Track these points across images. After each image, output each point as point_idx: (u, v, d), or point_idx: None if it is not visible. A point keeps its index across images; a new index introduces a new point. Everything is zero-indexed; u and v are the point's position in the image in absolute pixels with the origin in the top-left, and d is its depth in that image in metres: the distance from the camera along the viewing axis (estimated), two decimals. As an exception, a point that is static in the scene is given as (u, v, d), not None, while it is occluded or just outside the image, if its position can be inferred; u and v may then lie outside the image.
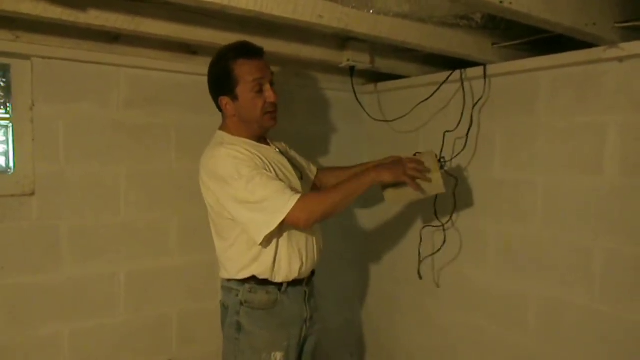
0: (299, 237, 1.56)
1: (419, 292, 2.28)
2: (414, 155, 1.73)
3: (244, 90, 1.52)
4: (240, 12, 1.29)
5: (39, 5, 1.36)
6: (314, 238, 1.63)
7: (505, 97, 1.86)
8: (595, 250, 1.58)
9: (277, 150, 1.68)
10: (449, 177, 1.91)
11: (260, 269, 1.53)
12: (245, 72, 1.51)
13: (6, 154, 1.81)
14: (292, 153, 1.84)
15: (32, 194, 1.79)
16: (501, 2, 1.16)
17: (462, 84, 1.95)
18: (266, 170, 1.49)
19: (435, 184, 1.60)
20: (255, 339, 1.53)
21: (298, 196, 1.42)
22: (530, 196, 1.77)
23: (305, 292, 1.64)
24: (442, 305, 2.16)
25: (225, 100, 1.55)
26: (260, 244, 1.48)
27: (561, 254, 1.68)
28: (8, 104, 1.79)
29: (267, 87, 1.55)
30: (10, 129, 1.79)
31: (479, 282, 1.98)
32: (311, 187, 1.84)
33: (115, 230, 1.96)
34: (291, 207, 1.40)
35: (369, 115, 2.33)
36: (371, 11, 1.47)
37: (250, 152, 1.50)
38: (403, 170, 1.55)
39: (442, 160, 1.66)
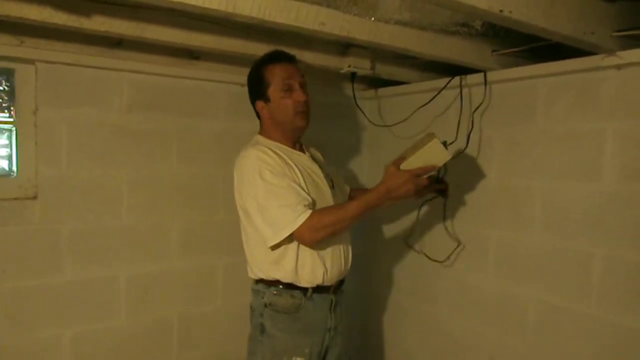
0: (322, 244, 1.56)
1: (418, 296, 2.29)
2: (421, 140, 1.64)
3: (274, 91, 1.61)
4: (244, 19, 1.30)
5: (45, 11, 1.38)
6: (341, 247, 1.64)
7: (504, 104, 1.87)
8: (593, 256, 1.59)
9: (310, 157, 1.71)
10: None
11: (282, 273, 1.55)
12: (274, 74, 1.61)
13: (9, 157, 1.82)
14: (331, 165, 1.87)
15: (35, 197, 1.80)
16: (501, 11, 1.18)
17: (461, 90, 1.97)
18: (294, 178, 1.52)
19: (440, 154, 1.52)
20: (276, 342, 1.55)
21: (308, 214, 1.45)
22: (529, 202, 1.78)
23: (332, 300, 1.64)
24: (441, 310, 2.16)
25: (260, 104, 1.65)
26: (281, 247, 1.51)
27: (560, 260, 1.69)
28: (12, 108, 1.80)
29: (297, 87, 1.61)
30: (14, 133, 1.80)
31: (478, 287, 1.98)
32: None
33: (116, 234, 1.97)
34: (298, 225, 1.44)
35: (369, 120, 2.35)
36: (372, 19, 1.49)
37: (279, 156, 1.54)
38: (415, 184, 1.49)
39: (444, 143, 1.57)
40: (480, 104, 1.91)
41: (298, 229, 1.45)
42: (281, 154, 1.56)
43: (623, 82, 1.52)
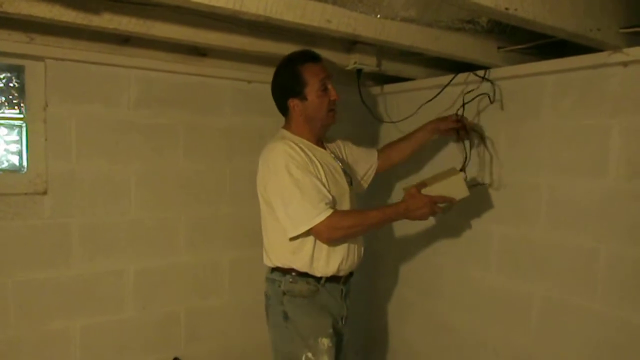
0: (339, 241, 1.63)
1: (423, 291, 2.31)
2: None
3: (311, 90, 1.65)
4: (251, 17, 1.31)
5: (54, 9, 1.39)
6: (357, 241, 1.71)
7: (510, 100, 1.87)
8: (598, 252, 1.60)
9: (332, 155, 1.77)
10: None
11: (299, 263, 1.61)
12: (312, 73, 1.65)
13: (20, 153, 1.85)
14: (347, 149, 1.92)
15: (45, 192, 1.83)
16: (507, 9, 1.18)
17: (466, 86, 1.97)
18: (317, 174, 1.58)
19: (460, 189, 1.67)
20: (300, 326, 1.62)
21: (328, 213, 1.52)
22: (534, 198, 1.79)
23: (342, 290, 1.72)
24: (446, 305, 2.18)
25: (294, 101, 1.67)
26: (299, 239, 1.57)
27: (565, 256, 1.69)
28: (22, 104, 1.83)
29: (331, 86, 1.69)
30: (24, 129, 1.83)
31: (483, 282, 1.99)
32: (377, 168, 1.98)
33: (124, 229, 2.00)
34: (317, 222, 1.51)
35: (375, 116, 2.35)
36: (378, 16, 1.49)
37: (305, 152, 1.60)
38: (431, 210, 1.60)
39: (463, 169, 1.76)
40: (475, 97, 1.91)
41: (317, 225, 1.51)
42: (306, 150, 1.61)
43: (629, 79, 1.51)
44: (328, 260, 1.62)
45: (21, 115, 1.83)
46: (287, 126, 1.73)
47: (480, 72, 1.91)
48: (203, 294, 2.22)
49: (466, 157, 1.88)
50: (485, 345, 1.99)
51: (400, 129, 2.35)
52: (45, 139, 1.83)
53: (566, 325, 1.69)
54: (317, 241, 1.60)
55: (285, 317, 1.63)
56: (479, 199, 2.00)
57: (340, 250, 1.64)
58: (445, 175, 1.72)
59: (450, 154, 2.10)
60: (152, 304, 2.09)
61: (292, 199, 1.53)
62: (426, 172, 2.23)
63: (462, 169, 1.77)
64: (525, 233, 1.83)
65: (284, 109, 1.72)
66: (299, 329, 1.62)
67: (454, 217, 2.10)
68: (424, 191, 1.62)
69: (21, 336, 1.83)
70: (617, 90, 1.55)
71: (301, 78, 1.64)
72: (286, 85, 1.67)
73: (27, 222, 1.81)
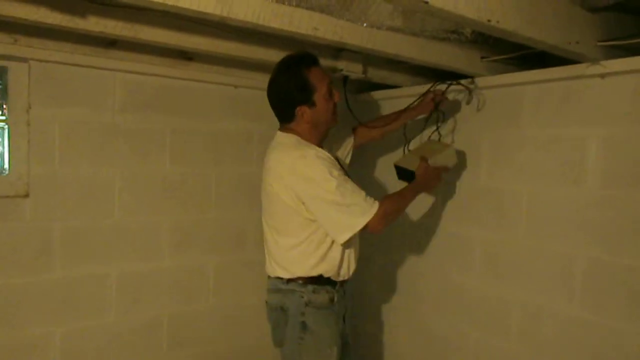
0: (356, 240, 1.69)
1: (406, 296, 2.33)
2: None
3: (319, 96, 1.62)
4: (239, 24, 1.32)
5: (40, 11, 1.38)
6: (359, 241, 1.75)
7: (492, 109, 1.92)
8: (576, 258, 1.64)
9: (335, 156, 1.76)
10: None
11: (326, 268, 1.63)
12: (319, 79, 1.62)
13: (1, 155, 1.83)
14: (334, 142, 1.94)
15: (27, 195, 1.81)
16: (489, 21, 1.21)
17: (470, 93, 1.98)
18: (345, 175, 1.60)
19: (452, 159, 1.90)
20: (319, 336, 1.63)
21: (377, 204, 1.55)
22: (515, 205, 1.83)
23: (345, 291, 1.75)
24: (428, 310, 2.20)
25: (302, 108, 1.62)
26: (326, 243, 1.59)
27: (543, 262, 1.73)
28: (4, 106, 1.80)
29: (334, 89, 1.68)
30: (6, 131, 1.80)
31: (464, 288, 2.02)
32: (353, 147, 2.03)
33: (108, 233, 1.98)
34: (373, 213, 1.53)
35: (360, 122, 2.37)
36: (365, 24, 1.51)
37: (328, 155, 1.60)
38: (438, 179, 1.80)
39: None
40: (464, 86, 1.94)
41: (372, 217, 1.53)
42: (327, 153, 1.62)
43: (606, 91, 1.56)
44: (349, 263, 1.67)
45: (3, 117, 1.81)
46: (293, 132, 1.65)
47: (465, 81, 1.94)
48: (187, 299, 2.20)
49: (438, 128, 2.01)
50: (466, 350, 2.01)
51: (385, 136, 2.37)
52: (28, 142, 1.81)
53: (545, 330, 1.73)
54: (345, 244, 1.60)
55: (304, 328, 1.61)
56: (462, 204, 2.04)
57: (356, 251, 1.70)
58: (437, 147, 1.90)
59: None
60: (135, 309, 2.07)
61: (346, 201, 1.52)
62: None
63: (439, 139, 1.98)
64: (505, 239, 1.86)
65: (288, 116, 1.65)
66: (317, 340, 1.62)
67: (438, 222, 2.13)
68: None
69: (1, 342, 1.79)
70: (594, 101, 1.60)
71: (309, 84, 1.59)
72: (293, 93, 1.60)
73: (8, 225, 1.79)
